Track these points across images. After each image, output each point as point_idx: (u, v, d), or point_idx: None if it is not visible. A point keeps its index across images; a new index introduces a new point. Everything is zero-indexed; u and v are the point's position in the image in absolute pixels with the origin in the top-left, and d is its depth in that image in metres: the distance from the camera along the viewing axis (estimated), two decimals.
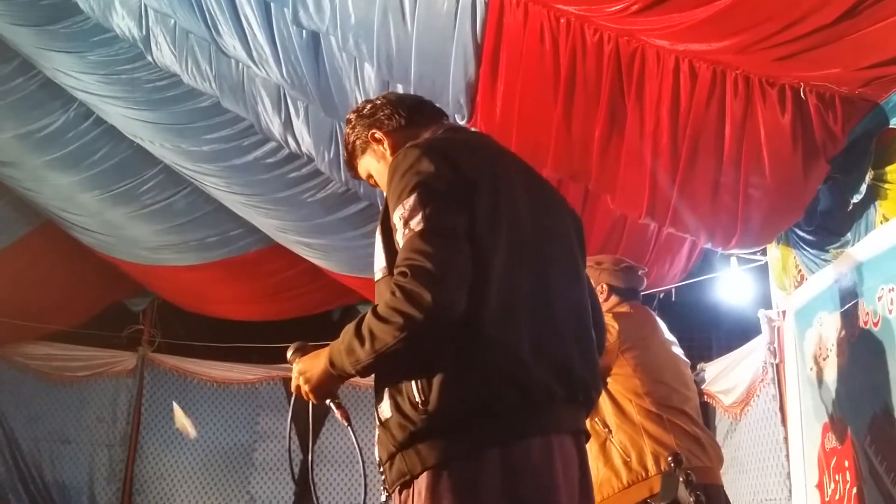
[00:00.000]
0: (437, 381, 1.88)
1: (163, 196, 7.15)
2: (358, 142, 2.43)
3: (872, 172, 3.84)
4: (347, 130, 2.46)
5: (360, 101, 4.88)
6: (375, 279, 2.09)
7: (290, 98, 5.50)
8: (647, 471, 3.52)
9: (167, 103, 6.07)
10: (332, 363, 2.04)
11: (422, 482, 1.90)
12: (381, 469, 2.03)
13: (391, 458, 1.97)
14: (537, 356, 1.96)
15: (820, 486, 4.19)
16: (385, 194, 2.11)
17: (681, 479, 3.31)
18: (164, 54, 5.56)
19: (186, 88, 5.87)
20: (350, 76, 4.93)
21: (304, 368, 2.19)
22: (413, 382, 1.91)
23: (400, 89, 4.79)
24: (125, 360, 8.97)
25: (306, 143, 5.71)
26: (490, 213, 2.01)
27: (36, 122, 6.54)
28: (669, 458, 3.42)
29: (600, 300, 3.85)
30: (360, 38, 4.43)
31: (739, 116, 3.75)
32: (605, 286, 4.00)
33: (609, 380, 3.70)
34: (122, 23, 5.46)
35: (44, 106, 6.50)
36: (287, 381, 8.77)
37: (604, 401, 3.63)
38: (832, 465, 4.08)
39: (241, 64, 5.38)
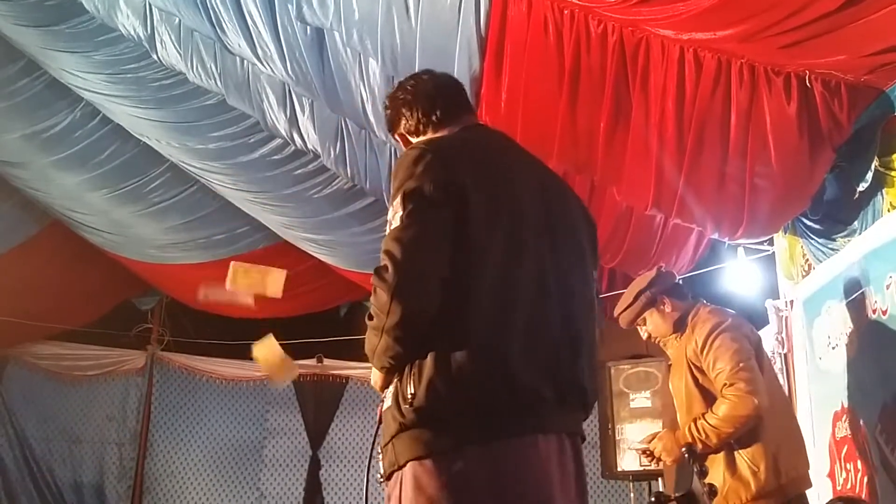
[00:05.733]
0: (425, 377, 1.93)
1: (170, 194, 7.17)
2: (388, 128, 2.56)
3: (878, 160, 3.84)
4: (384, 108, 2.56)
5: (365, 97, 4.97)
6: None
7: (295, 95, 5.50)
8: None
9: (173, 101, 6.09)
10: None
11: (407, 473, 1.96)
12: (381, 454, 2.10)
13: (385, 446, 2.05)
14: (527, 358, 1.99)
15: (831, 475, 4.18)
16: None
17: (695, 471, 3.30)
18: (169, 53, 5.57)
19: (192, 86, 5.89)
20: (355, 72, 4.93)
21: None
22: (409, 376, 1.97)
23: None
24: (134, 358, 9.02)
25: (312, 139, 5.72)
26: (487, 214, 2.05)
27: (42, 123, 6.56)
28: (683, 450, 3.41)
29: None
30: (364, 34, 4.43)
31: (745, 105, 3.75)
32: None
33: None
34: (127, 22, 5.48)
35: (50, 106, 6.52)
36: (295, 377, 8.88)
37: None
38: (843, 454, 4.08)
39: (246, 61, 5.39)
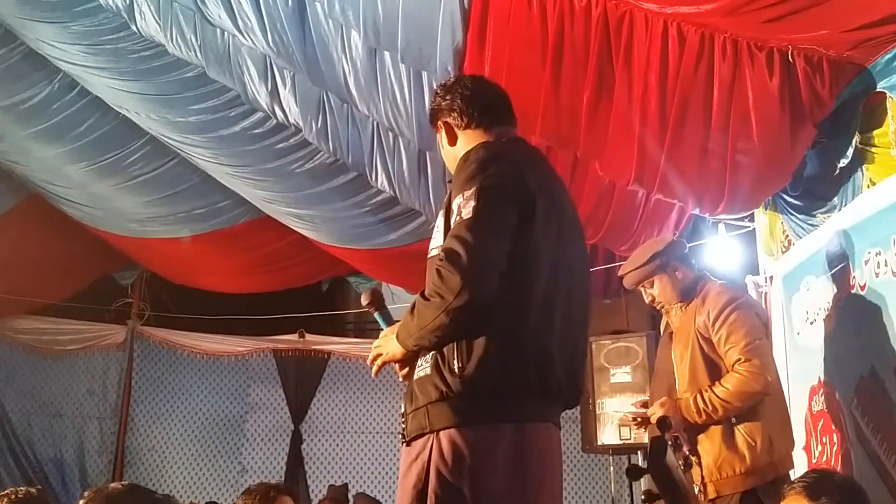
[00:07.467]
0: (476, 354, 2.13)
1: (150, 167, 7.09)
2: (434, 114, 2.65)
3: (859, 136, 3.85)
4: (434, 95, 2.69)
5: (347, 70, 4.93)
6: (429, 256, 2.36)
7: (276, 67, 5.45)
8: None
9: (153, 73, 6.00)
10: (398, 337, 2.31)
11: (444, 438, 2.14)
12: (403, 419, 2.28)
13: (416, 410, 2.22)
14: (560, 358, 2.25)
15: (807, 448, 4.22)
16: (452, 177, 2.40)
17: (669, 444, 3.34)
18: (148, 24, 5.49)
19: (172, 58, 5.81)
20: (337, 44, 4.88)
21: (379, 344, 2.44)
22: (455, 351, 2.15)
23: (387, 57, 4.76)
24: (115, 333, 8.99)
25: (293, 113, 5.67)
26: (545, 221, 2.27)
27: (20, 94, 6.46)
28: (657, 423, 3.47)
29: None
30: (346, 5, 4.40)
31: (727, 80, 3.75)
32: None
33: None
34: None
35: (28, 77, 6.41)
36: (277, 352, 8.89)
37: None
38: (819, 428, 4.12)
39: (226, 33, 5.33)
